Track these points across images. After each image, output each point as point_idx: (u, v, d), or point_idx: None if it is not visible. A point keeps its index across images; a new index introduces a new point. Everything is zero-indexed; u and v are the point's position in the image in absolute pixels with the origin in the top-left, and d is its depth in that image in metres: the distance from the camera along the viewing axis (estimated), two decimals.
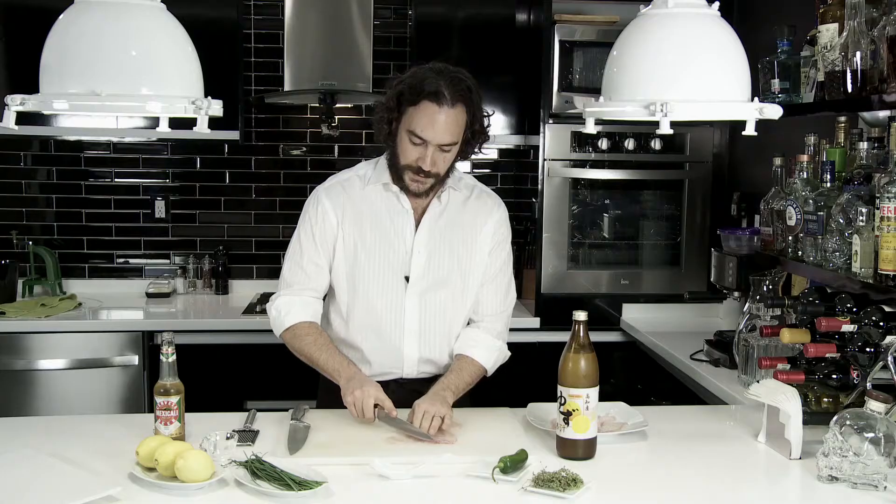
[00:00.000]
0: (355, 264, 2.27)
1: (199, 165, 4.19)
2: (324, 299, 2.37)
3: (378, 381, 2.28)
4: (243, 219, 4.23)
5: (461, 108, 2.14)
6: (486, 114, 2.22)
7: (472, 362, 2.28)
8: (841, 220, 2.30)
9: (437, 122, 2.11)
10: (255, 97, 4.11)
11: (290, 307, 2.28)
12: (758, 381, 2.13)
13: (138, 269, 4.21)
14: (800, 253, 2.49)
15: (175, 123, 1.66)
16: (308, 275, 2.29)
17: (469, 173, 4.18)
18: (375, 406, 2.09)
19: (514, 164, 4.26)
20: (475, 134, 2.21)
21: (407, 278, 2.27)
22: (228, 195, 4.23)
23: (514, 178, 4.27)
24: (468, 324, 2.38)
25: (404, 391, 2.25)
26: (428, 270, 2.27)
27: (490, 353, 2.32)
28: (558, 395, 1.93)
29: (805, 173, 2.55)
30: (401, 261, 2.27)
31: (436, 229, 2.28)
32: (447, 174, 2.24)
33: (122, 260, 4.21)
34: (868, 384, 2.02)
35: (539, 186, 3.66)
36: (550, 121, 3.64)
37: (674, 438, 2.12)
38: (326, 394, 2.30)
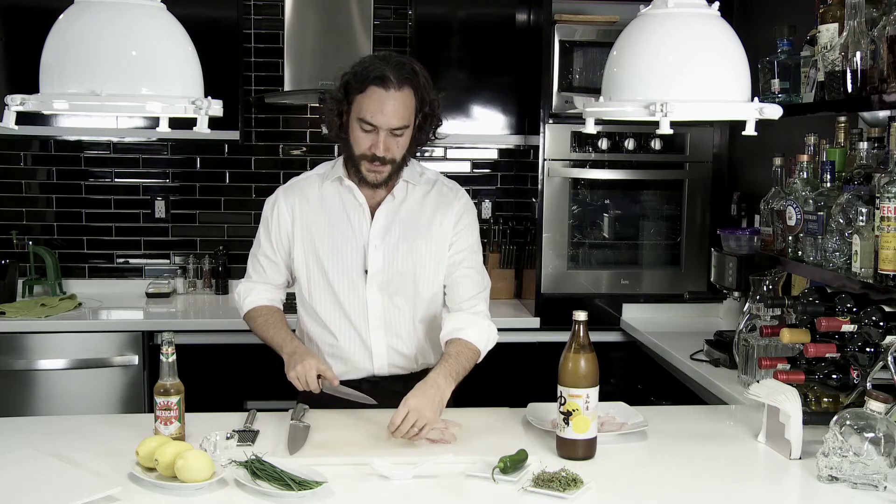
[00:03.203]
0: (316, 261, 2.29)
1: (199, 165, 4.20)
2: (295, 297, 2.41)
3: (350, 380, 2.29)
4: (243, 219, 4.23)
5: (408, 90, 2.15)
6: (434, 97, 2.22)
7: (468, 345, 2.24)
8: (841, 220, 2.30)
9: (386, 106, 2.12)
10: (255, 97, 4.11)
11: (249, 293, 2.41)
12: (758, 381, 2.13)
13: (138, 269, 4.21)
14: (800, 253, 2.49)
15: (175, 123, 1.66)
16: (263, 268, 2.39)
17: (469, 173, 4.26)
18: (319, 377, 2.13)
19: (514, 164, 4.26)
20: (427, 118, 2.22)
21: (366, 272, 2.28)
22: (228, 195, 4.23)
23: (514, 178, 4.27)
24: (448, 312, 2.35)
25: (380, 392, 2.24)
26: (386, 264, 2.27)
27: (481, 333, 2.28)
28: (558, 395, 1.93)
29: (805, 173, 2.55)
30: (358, 255, 2.27)
31: (394, 223, 2.28)
32: (403, 163, 2.25)
33: (122, 260, 4.21)
34: (868, 384, 2.02)
35: (539, 186, 3.66)
36: (550, 121, 3.64)
37: (674, 438, 2.12)
38: (306, 392, 2.29)
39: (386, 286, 2.28)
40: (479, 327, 2.28)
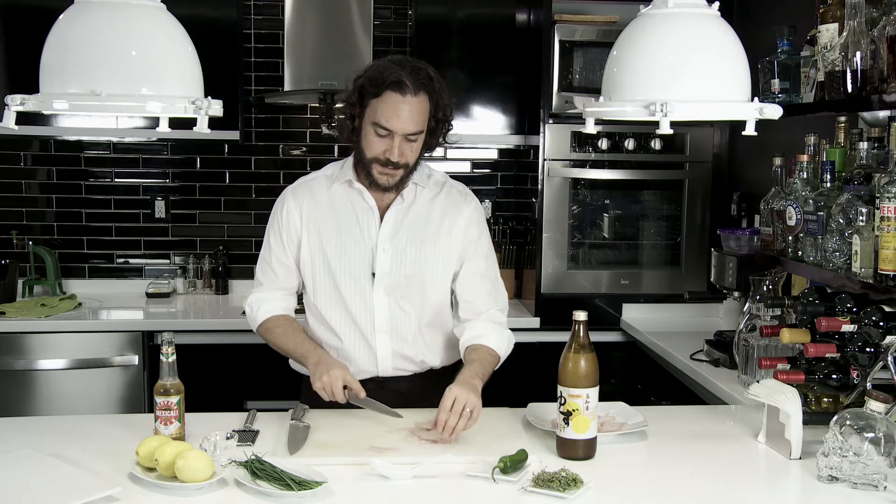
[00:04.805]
0: (323, 262, 2.28)
1: (199, 165, 4.20)
2: (301, 299, 2.39)
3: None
4: (243, 219, 4.23)
5: (424, 96, 2.14)
6: (448, 103, 2.22)
7: (490, 351, 2.25)
8: (841, 220, 2.30)
9: (402, 112, 2.11)
10: (255, 97, 4.11)
11: (262, 303, 2.35)
12: (758, 381, 2.13)
13: (138, 269, 4.21)
14: (800, 253, 2.49)
15: (175, 123, 1.66)
16: (276, 274, 2.35)
17: (469, 173, 4.26)
18: (345, 388, 2.11)
19: (514, 164, 4.26)
20: (439, 123, 2.22)
21: (374, 275, 2.27)
22: (228, 195, 4.23)
23: (514, 178, 4.27)
24: (466, 321, 2.34)
25: (385, 392, 2.24)
26: (394, 267, 2.27)
27: (501, 341, 2.30)
28: (558, 395, 1.93)
29: (805, 173, 2.55)
30: (366, 257, 2.27)
31: (402, 226, 2.28)
32: (415, 167, 2.25)
33: (122, 260, 4.21)
34: (868, 384, 2.02)
35: (539, 186, 3.66)
36: (550, 121, 3.64)
37: (674, 438, 2.12)
38: (308, 393, 2.28)
39: (393, 290, 2.27)
40: (498, 335, 2.30)
